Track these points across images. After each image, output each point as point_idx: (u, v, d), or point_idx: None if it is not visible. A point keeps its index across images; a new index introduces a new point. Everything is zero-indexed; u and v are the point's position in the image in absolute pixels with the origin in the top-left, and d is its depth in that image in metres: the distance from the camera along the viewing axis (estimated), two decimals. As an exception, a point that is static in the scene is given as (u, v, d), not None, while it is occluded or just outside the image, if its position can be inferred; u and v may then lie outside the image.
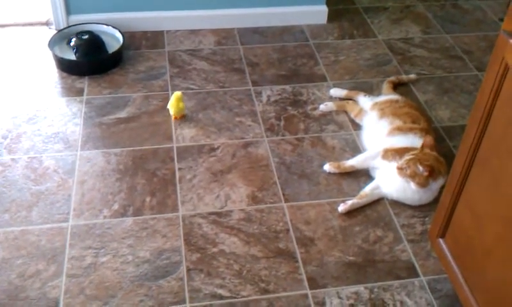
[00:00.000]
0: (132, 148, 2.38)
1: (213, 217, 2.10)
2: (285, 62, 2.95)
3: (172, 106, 2.48)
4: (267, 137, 2.47)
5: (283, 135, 2.48)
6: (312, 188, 2.24)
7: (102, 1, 3.05)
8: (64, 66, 2.79)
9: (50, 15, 3.09)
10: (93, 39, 2.85)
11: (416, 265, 1.96)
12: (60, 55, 2.80)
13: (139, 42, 3.06)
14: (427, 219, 2.13)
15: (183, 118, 2.52)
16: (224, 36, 3.15)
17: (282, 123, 2.55)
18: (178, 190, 2.20)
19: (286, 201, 2.18)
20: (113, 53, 2.82)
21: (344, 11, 3.40)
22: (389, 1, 3.56)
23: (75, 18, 3.06)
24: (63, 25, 3.05)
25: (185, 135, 2.46)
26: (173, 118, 2.51)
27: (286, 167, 2.33)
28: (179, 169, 2.29)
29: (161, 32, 3.15)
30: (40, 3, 3.24)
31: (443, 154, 2.23)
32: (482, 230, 1.54)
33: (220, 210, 2.13)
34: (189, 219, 2.09)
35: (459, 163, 1.63)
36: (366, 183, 2.24)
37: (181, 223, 2.07)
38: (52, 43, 2.87)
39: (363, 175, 2.28)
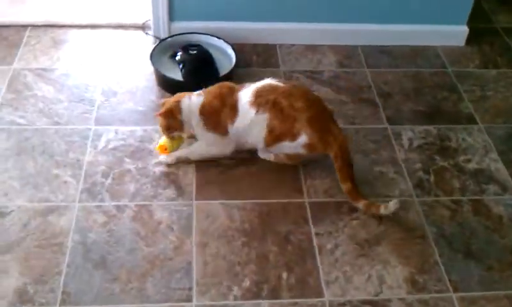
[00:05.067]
0: (256, 201, 1.99)
1: (367, 307, 1.68)
2: (422, 94, 2.50)
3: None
4: (416, 197, 2.04)
5: (436, 195, 2.05)
6: (482, 273, 1.81)
7: (210, 9, 2.65)
8: (168, 85, 2.39)
9: (148, 18, 2.69)
10: (202, 55, 2.44)
11: None
12: (162, 70, 2.39)
13: (250, 57, 2.64)
14: None
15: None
16: (346, 55, 2.71)
17: (432, 178, 2.11)
18: (320, 265, 1.79)
19: (454, 290, 1.76)
20: (225, 76, 2.40)
21: (481, 31, 2.91)
22: (531, 20, 3.05)
23: (178, 26, 2.66)
24: (163, 32, 2.65)
25: (317, 186, 2.05)
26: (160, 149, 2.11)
27: (447, 241, 1.90)
28: (316, 234, 1.89)
29: (273, 47, 2.72)
30: (136, 3, 2.83)
31: None
32: None
33: (375, 298, 1.72)
34: (339, 309, 1.68)
35: None
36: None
37: (329, 313, 1.66)
38: (155, 56, 2.47)
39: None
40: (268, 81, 2.05)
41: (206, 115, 2.02)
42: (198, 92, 2.07)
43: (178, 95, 2.06)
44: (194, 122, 2.02)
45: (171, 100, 2.06)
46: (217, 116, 2.01)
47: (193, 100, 2.03)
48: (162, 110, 2.01)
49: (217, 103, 2.02)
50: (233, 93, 2.04)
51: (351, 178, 1.95)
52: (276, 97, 1.99)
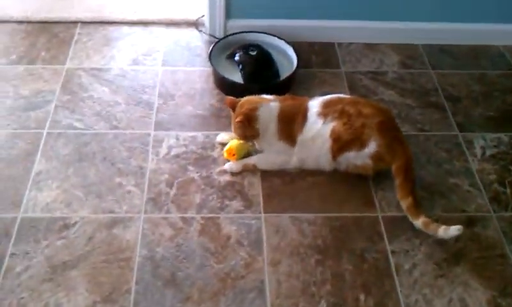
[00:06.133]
0: (326, 214, 1.91)
1: (451, 334, 1.60)
2: (491, 98, 2.39)
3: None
4: (494, 212, 1.94)
5: (514, 211, 1.95)
6: None
7: (267, 6, 2.54)
8: (227, 87, 2.31)
9: (201, 14, 2.61)
10: (262, 57, 2.35)
11: None
12: (220, 71, 2.31)
13: (308, 57, 2.55)
14: None
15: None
16: (408, 54, 2.60)
17: (508, 191, 2.01)
18: (398, 287, 1.71)
19: (542, 316, 1.66)
20: (287, 79, 2.31)
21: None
22: None
23: (233, 24, 2.56)
24: (219, 30, 2.56)
25: (390, 199, 1.96)
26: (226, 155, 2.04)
27: (529, 261, 1.80)
28: (392, 252, 1.80)
29: (331, 45, 2.63)
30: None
31: None
32: None
33: (459, 325, 1.63)
34: (422, 336, 1.60)
35: None
36: None
37: (411, 340, 1.59)
38: (213, 56, 2.38)
39: None
40: (336, 95, 2.02)
41: (282, 122, 1.94)
42: (269, 97, 1.98)
43: (252, 100, 1.98)
44: (270, 129, 1.93)
45: (246, 105, 1.95)
46: (292, 124, 1.95)
47: (272, 106, 1.95)
48: (239, 118, 1.92)
49: (293, 110, 1.96)
50: (303, 102, 1.97)
51: (413, 194, 1.85)
52: (343, 106, 1.93)
